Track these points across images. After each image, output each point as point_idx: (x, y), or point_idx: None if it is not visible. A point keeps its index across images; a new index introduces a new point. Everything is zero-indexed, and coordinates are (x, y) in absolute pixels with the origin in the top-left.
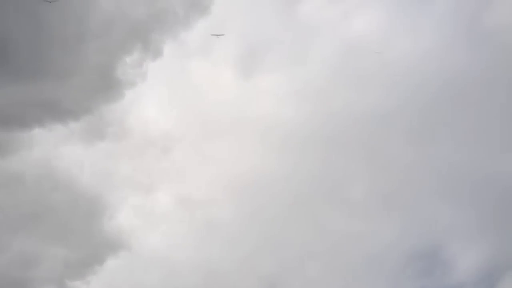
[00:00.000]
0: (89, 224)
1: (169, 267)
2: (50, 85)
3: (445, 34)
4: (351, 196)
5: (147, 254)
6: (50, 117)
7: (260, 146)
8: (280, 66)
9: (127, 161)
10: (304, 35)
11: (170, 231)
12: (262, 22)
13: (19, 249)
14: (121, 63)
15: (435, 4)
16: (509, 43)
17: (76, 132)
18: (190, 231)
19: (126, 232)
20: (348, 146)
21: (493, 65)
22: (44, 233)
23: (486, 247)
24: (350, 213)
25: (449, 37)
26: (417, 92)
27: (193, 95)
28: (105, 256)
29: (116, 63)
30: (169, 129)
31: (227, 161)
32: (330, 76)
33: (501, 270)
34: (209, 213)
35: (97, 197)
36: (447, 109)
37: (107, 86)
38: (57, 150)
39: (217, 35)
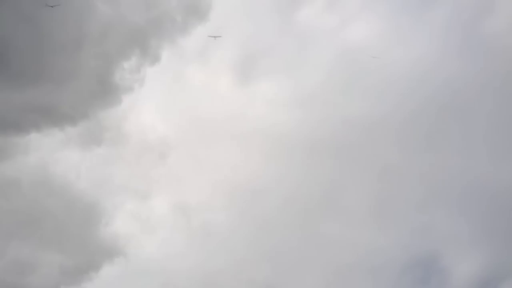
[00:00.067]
0: (85, 230)
1: (165, 273)
2: (48, 90)
3: (439, 42)
4: (346, 204)
5: (143, 260)
6: (47, 122)
7: (257, 152)
8: (278, 72)
9: (124, 167)
10: (302, 42)
11: (167, 238)
12: (260, 28)
13: (15, 255)
14: (119, 68)
15: (431, 12)
16: (502, 50)
17: (73, 137)
18: (186, 238)
19: (122, 238)
20: (345, 153)
21: (485, 72)
22: (40, 239)
23: (483, 255)
24: (345, 221)
25: (443, 45)
26: (411, 99)
27: (190, 100)
28: (101, 262)
29: (114, 68)
30: (166, 134)
31: (224, 167)
32: (328, 83)
33: (499, 278)
34: (206, 219)
35: (94, 203)
36: (441, 116)
37: (105, 91)
38: (53, 155)
39: (214, 36)
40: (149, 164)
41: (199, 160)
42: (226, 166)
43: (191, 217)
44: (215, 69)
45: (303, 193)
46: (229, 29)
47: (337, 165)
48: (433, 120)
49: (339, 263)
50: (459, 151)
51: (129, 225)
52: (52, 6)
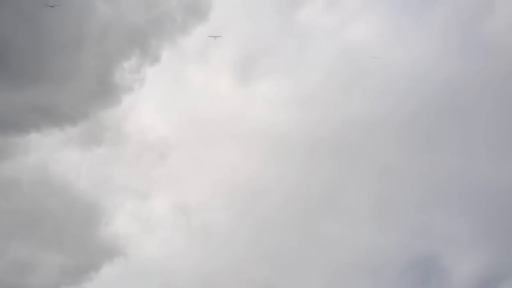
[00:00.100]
0: (85, 230)
1: (165, 273)
2: (47, 90)
3: (439, 42)
4: (347, 204)
5: (143, 260)
6: (47, 122)
7: (257, 152)
8: (278, 72)
9: (124, 167)
10: (302, 42)
11: (167, 238)
12: (260, 28)
13: (15, 255)
14: (119, 68)
15: (431, 12)
16: (502, 50)
17: (73, 137)
18: (186, 238)
19: (122, 238)
20: (345, 153)
21: (485, 72)
22: (40, 239)
23: (483, 255)
24: (345, 221)
25: (443, 45)
26: (411, 99)
27: (190, 100)
28: (101, 262)
29: (114, 68)
30: (166, 134)
31: (224, 167)
32: (327, 83)
33: (499, 278)
34: (206, 219)
35: (94, 203)
36: (441, 116)
37: (105, 91)
38: (53, 155)
39: (214, 36)
40: (149, 164)
41: (199, 160)
42: (226, 166)
43: (191, 217)
44: (215, 69)
45: (303, 193)
46: (229, 29)
47: (337, 165)
48: (433, 120)
49: (339, 263)
50: (459, 151)
51: (129, 225)
52: (52, 6)
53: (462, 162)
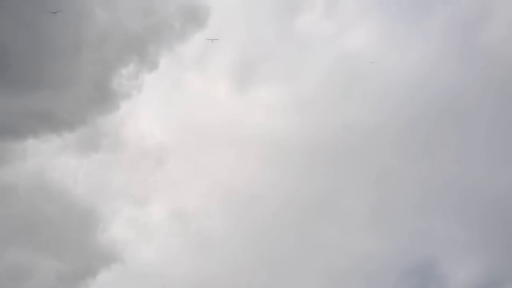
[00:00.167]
0: (83, 235)
1: (162, 279)
2: (45, 96)
3: (437, 48)
4: (344, 209)
5: (141, 266)
6: (45, 128)
7: (255, 158)
8: (276, 79)
9: (121, 173)
10: (300, 48)
11: (164, 244)
12: (258, 35)
13: (12, 261)
14: (117, 74)
15: (429, 18)
16: (500, 56)
17: (70, 143)
18: (184, 244)
19: (120, 244)
20: (343, 158)
21: (484, 78)
22: (37, 245)
23: (481, 261)
24: (342, 226)
25: (442, 51)
26: (410, 104)
27: (188, 107)
28: (98, 268)
29: (112, 74)
30: (164, 141)
31: (221, 173)
32: (326, 89)
33: (497, 284)
34: (203, 224)
35: (91, 209)
36: (439, 121)
37: (103, 97)
38: (51, 161)
39: (212, 39)
40: (147, 170)
41: (197, 166)
42: (224, 171)
43: (188, 223)
44: (213, 75)
45: (300, 198)
46: (227, 36)
47: (335, 170)
48: (431, 125)
49: (336, 268)
50: (457, 156)
51: (127, 231)
52: (54, 13)
53: (460, 167)
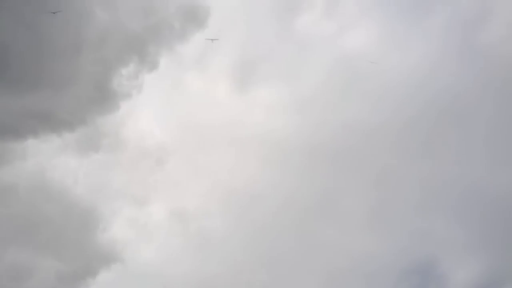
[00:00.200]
0: (83, 235)
1: (162, 279)
2: (45, 96)
3: (437, 48)
4: (344, 209)
5: (141, 266)
6: (45, 128)
7: (255, 158)
8: (276, 79)
9: (121, 173)
10: (300, 48)
11: (164, 244)
12: (258, 35)
13: (12, 261)
14: (117, 74)
15: (429, 18)
16: (500, 56)
17: (70, 143)
18: (184, 244)
19: (120, 244)
20: (343, 158)
21: (484, 78)
22: (37, 245)
23: (481, 262)
24: (342, 226)
25: (442, 51)
26: (410, 104)
27: (188, 107)
28: (98, 268)
29: (112, 74)
30: (164, 141)
31: (222, 173)
32: (326, 89)
33: (497, 284)
34: (203, 224)
35: (91, 209)
36: (439, 121)
37: (103, 97)
38: (51, 161)
39: (212, 39)
40: (147, 170)
41: (197, 166)
42: (224, 171)
43: (188, 223)
44: (213, 75)
45: (300, 198)
46: (227, 36)
47: (335, 170)
48: (432, 125)
49: (336, 268)
50: (457, 156)
51: (127, 231)
52: (54, 13)
53: (460, 167)
